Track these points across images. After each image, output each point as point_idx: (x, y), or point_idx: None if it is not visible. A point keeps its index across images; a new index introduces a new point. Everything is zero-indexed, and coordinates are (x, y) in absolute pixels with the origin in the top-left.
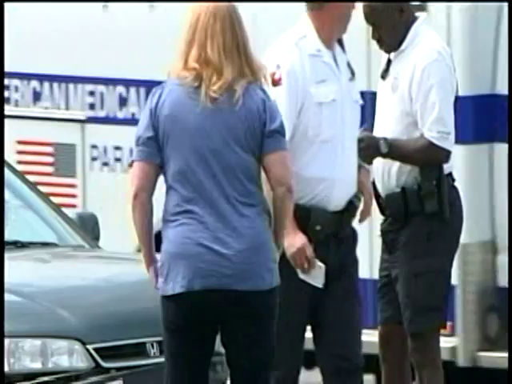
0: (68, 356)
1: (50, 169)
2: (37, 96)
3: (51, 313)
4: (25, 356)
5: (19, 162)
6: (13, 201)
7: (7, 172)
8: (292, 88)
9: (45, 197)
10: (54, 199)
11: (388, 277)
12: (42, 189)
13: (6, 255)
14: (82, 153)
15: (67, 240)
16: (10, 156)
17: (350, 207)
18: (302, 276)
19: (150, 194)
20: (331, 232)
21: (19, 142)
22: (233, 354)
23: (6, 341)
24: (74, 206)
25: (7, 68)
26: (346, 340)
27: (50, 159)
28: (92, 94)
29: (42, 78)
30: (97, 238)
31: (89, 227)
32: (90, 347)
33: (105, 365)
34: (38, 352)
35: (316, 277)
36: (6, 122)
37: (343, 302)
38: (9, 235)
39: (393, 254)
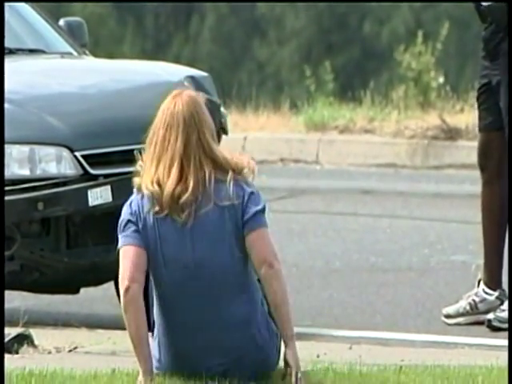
0: (56, 163)
1: None
2: None
3: (39, 119)
4: (13, 162)
5: None
6: None
7: None
8: None
9: (33, 4)
10: None
11: (488, 84)
12: None
13: None
14: None
15: (55, 47)
16: None
17: None
18: None
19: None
20: None
21: None
22: None
23: None
24: None
25: None
26: None
27: None
28: None
29: None
30: (84, 45)
31: (77, 34)
32: (77, 154)
33: (93, 171)
34: (26, 158)
35: None
36: None
37: None
38: None
39: (494, 62)
